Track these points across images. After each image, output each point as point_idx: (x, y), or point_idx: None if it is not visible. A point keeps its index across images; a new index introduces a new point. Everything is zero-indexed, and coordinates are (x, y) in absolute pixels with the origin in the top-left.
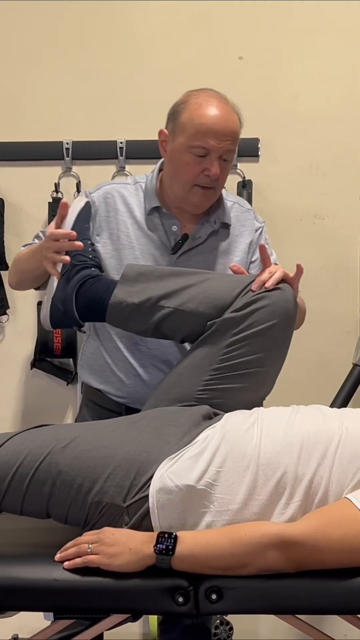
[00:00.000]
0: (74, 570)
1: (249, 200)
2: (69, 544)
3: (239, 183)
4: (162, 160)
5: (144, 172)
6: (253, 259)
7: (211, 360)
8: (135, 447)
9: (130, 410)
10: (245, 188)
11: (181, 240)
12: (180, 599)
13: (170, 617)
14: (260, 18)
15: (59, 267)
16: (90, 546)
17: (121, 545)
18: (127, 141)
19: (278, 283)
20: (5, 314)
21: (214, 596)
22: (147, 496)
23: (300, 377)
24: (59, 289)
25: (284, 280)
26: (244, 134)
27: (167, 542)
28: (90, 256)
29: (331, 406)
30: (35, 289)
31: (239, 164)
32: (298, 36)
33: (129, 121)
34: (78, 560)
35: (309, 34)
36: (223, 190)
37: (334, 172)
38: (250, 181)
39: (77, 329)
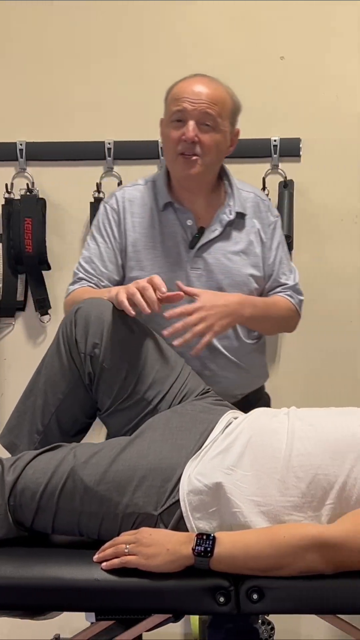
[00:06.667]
0: (115, 570)
1: (290, 201)
2: (106, 545)
3: (280, 183)
4: None
5: None
6: (269, 262)
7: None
8: (154, 456)
9: None
10: (286, 188)
11: (197, 234)
12: (222, 599)
13: (215, 618)
14: (302, 18)
15: None
16: (127, 546)
17: (159, 546)
18: None
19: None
20: (47, 314)
21: (255, 596)
22: (178, 501)
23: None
24: None
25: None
26: (286, 134)
27: (205, 543)
28: None
29: None
30: None
31: (280, 164)
32: (340, 36)
33: None
34: (116, 560)
35: (351, 33)
36: (239, 181)
37: None
38: (291, 181)
39: None
